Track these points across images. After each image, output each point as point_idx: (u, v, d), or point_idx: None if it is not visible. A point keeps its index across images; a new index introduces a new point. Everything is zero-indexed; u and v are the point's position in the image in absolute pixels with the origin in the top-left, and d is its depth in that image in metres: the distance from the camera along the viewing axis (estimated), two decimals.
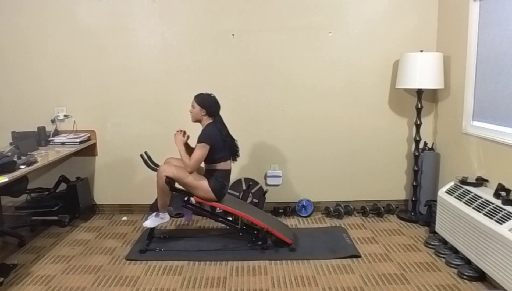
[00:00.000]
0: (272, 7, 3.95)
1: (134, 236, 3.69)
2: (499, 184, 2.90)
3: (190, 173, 3.21)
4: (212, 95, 3.31)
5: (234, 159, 3.40)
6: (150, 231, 3.44)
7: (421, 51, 3.74)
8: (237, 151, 3.40)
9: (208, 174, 3.32)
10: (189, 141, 3.41)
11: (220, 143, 3.25)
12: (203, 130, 3.25)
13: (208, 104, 3.26)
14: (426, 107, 4.05)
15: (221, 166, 3.30)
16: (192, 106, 3.28)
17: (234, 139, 3.38)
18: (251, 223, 3.40)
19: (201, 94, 3.30)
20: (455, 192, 3.19)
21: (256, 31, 3.98)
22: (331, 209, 4.11)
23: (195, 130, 3.33)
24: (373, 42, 4.00)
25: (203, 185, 3.25)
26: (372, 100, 4.10)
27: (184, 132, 3.36)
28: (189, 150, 3.34)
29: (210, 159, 3.26)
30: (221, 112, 3.29)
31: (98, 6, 3.95)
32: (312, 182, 4.22)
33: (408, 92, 4.08)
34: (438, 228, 3.35)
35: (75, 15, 3.96)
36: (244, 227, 3.45)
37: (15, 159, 2.95)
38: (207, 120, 3.29)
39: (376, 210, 4.15)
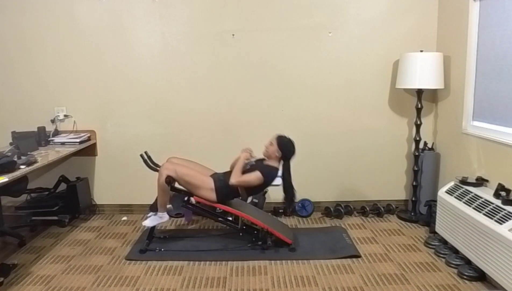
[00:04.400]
0: (272, 7, 3.95)
1: (134, 236, 3.70)
2: (499, 184, 2.90)
3: (231, 183, 3.21)
4: (293, 141, 3.32)
5: (289, 207, 3.46)
6: (150, 231, 3.44)
7: (421, 51, 3.74)
8: (293, 198, 3.41)
9: (219, 177, 3.32)
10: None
11: (268, 185, 3.32)
12: (270, 167, 3.29)
13: (287, 150, 3.30)
14: (426, 107, 4.05)
15: (240, 189, 3.31)
16: (271, 143, 3.30)
17: (293, 189, 3.39)
18: (251, 223, 3.40)
19: (284, 137, 3.32)
20: (455, 192, 3.19)
21: (256, 31, 3.97)
22: (331, 209, 4.11)
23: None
24: (373, 42, 4.00)
25: (207, 183, 3.25)
26: (372, 100, 4.09)
27: (251, 153, 3.39)
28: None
29: (248, 187, 3.29)
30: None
31: (98, 6, 3.95)
32: (312, 182, 4.21)
33: (408, 92, 4.08)
34: (438, 228, 3.35)
35: (75, 15, 3.96)
36: (244, 227, 3.45)
37: (15, 159, 2.95)
38: (275, 162, 3.32)
39: (376, 210, 4.15)
